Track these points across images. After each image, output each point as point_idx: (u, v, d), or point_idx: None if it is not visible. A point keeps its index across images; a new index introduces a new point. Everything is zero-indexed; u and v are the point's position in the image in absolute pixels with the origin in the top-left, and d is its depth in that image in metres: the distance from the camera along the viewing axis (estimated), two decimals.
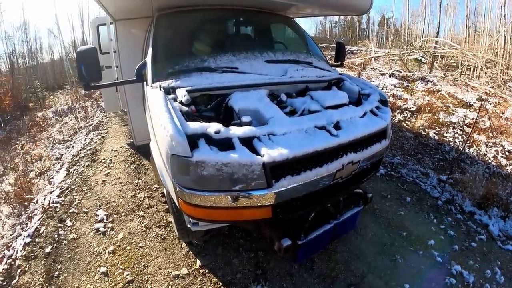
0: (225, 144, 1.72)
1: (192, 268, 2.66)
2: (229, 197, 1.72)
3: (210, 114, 2.16)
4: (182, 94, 2.01)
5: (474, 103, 7.55)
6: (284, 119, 1.95)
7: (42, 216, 3.46)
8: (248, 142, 1.75)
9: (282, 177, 1.75)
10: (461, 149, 5.15)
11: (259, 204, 1.78)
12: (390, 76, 9.89)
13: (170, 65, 2.40)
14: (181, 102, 1.99)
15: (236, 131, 1.76)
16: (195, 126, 1.71)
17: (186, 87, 2.11)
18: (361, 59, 13.14)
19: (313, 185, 1.93)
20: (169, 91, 2.12)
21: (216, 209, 1.78)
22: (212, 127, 1.71)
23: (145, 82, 2.52)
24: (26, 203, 3.91)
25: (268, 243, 2.13)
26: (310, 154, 1.81)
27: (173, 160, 1.69)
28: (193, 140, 1.67)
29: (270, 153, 1.66)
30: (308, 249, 2.16)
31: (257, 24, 3.85)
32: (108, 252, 2.89)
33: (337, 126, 2.07)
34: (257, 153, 1.69)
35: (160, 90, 2.10)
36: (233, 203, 1.74)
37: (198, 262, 2.71)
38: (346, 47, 4.13)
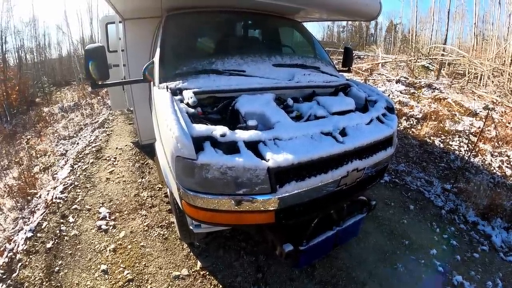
0: (230, 148, 1.71)
1: (193, 270, 2.66)
2: (232, 200, 1.71)
3: (216, 116, 2.15)
4: (188, 96, 2.01)
5: (480, 111, 7.50)
6: (290, 124, 1.94)
7: (44, 211, 3.48)
8: (253, 146, 1.75)
9: (287, 182, 1.74)
10: (466, 158, 5.11)
11: (262, 209, 1.77)
12: (396, 83, 9.85)
13: (177, 66, 2.40)
14: (187, 104, 1.99)
15: (241, 135, 1.75)
16: (201, 128, 1.71)
17: (193, 88, 2.11)
18: (368, 65, 13.11)
19: (317, 192, 1.92)
20: (175, 92, 2.12)
21: (219, 212, 1.77)
22: (218, 130, 1.71)
23: (152, 82, 2.53)
24: (29, 198, 3.94)
25: (270, 247, 2.12)
26: (315, 160, 1.80)
27: (178, 162, 1.69)
28: (198, 143, 1.66)
29: (275, 158, 1.66)
30: (310, 255, 2.15)
31: (266, 27, 3.84)
32: (109, 250, 2.89)
33: (343, 133, 2.06)
34: (262, 158, 1.69)
35: (167, 91, 2.10)
36: (236, 207, 1.74)
37: (199, 263, 2.71)
38: (353, 52, 4.12)
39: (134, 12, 3.40)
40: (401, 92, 8.95)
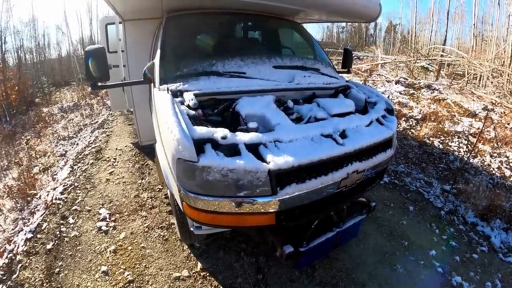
0: (231, 150, 1.72)
1: (193, 271, 2.67)
2: (233, 202, 1.72)
3: (217, 118, 2.16)
4: (189, 98, 2.01)
5: (479, 112, 7.52)
6: (290, 126, 1.95)
7: (44, 212, 3.48)
8: (254, 149, 1.75)
9: (287, 184, 1.74)
10: (466, 159, 5.12)
11: (263, 210, 1.78)
12: (396, 83, 9.87)
13: (178, 68, 2.41)
14: (188, 106, 1.99)
15: (242, 137, 1.76)
16: (202, 130, 1.71)
17: (193, 90, 2.12)
18: (368, 65, 13.13)
19: (318, 193, 1.93)
20: (176, 94, 2.12)
21: (219, 214, 1.78)
22: (219, 132, 1.72)
23: (152, 84, 2.53)
24: (29, 199, 3.93)
25: (270, 248, 2.13)
26: (316, 162, 1.80)
27: (179, 164, 1.70)
28: (199, 145, 1.67)
29: (275, 160, 1.67)
30: (310, 256, 2.15)
31: (266, 28, 3.86)
32: (110, 251, 2.89)
33: (343, 135, 2.06)
34: (263, 160, 1.70)
35: (168, 92, 2.10)
36: (236, 209, 1.74)
37: (199, 265, 2.71)
38: (353, 53, 4.12)
39: (134, 13, 3.40)
40: (400, 93, 8.97)
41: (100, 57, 2.34)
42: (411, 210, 3.74)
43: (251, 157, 1.67)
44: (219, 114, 2.17)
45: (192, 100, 1.99)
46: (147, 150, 4.91)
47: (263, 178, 1.66)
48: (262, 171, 1.65)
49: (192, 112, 1.95)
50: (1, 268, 2.71)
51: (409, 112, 7.41)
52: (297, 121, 2.17)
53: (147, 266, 2.72)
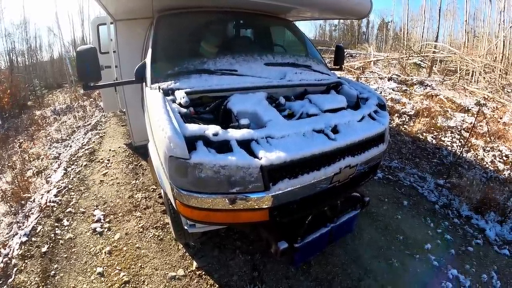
0: (223, 147, 1.72)
1: (189, 270, 2.66)
2: (226, 199, 1.72)
3: (209, 116, 2.16)
4: (181, 96, 2.01)
5: (472, 107, 7.59)
6: (282, 122, 1.95)
7: (39, 215, 3.45)
8: (246, 145, 1.75)
9: (280, 180, 1.75)
10: (459, 153, 5.16)
11: (256, 207, 1.78)
12: (389, 80, 9.92)
13: (169, 67, 2.40)
14: (179, 104, 1.99)
15: (234, 134, 1.76)
16: (193, 128, 1.71)
17: (185, 88, 2.11)
18: (360, 63, 13.18)
19: (311, 189, 1.93)
20: (168, 92, 2.12)
21: (213, 211, 1.78)
22: (210, 129, 1.72)
23: (144, 83, 2.52)
24: (23, 202, 3.90)
25: (265, 245, 2.13)
26: (308, 158, 1.81)
27: (171, 162, 1.69)
28: (191, 142, 1.66)
29: (267, 156, 1.67)
30: (305, 252, 2.16)
31: (257, 26, 3.86)
32: (105, 252, 2.88)
33: (335, 130, 2.07)
34: (255, 156, 1.70)
35: (159, 91, 2.10)
36: (230, 206, 1.74)
37: (195, 263, 2.71)
38: (345, 50, 4.14)
39: (125, 13, 3.39)
40: (393, 90, 9.00)
41: (91, 58, 2.33)
42: (406, 204, 3.76)
43: (243, 153, 1.67)
44: (211, 111, 2.17)
45: (183, 98, 1.99)
46: (140, 151, 4.88)
47: (255, 174, 1.67)
48: (254, 167, 1.65)
49: (184, 110, 1.95)
50: None
51: (402, 108, 7.45)
52: (289, 117, 2.17)
53: (142, 266, 2.72)
